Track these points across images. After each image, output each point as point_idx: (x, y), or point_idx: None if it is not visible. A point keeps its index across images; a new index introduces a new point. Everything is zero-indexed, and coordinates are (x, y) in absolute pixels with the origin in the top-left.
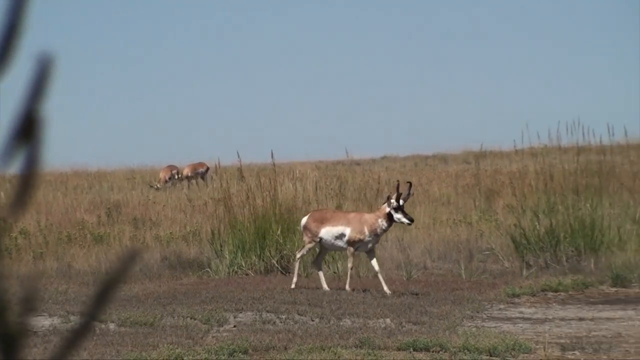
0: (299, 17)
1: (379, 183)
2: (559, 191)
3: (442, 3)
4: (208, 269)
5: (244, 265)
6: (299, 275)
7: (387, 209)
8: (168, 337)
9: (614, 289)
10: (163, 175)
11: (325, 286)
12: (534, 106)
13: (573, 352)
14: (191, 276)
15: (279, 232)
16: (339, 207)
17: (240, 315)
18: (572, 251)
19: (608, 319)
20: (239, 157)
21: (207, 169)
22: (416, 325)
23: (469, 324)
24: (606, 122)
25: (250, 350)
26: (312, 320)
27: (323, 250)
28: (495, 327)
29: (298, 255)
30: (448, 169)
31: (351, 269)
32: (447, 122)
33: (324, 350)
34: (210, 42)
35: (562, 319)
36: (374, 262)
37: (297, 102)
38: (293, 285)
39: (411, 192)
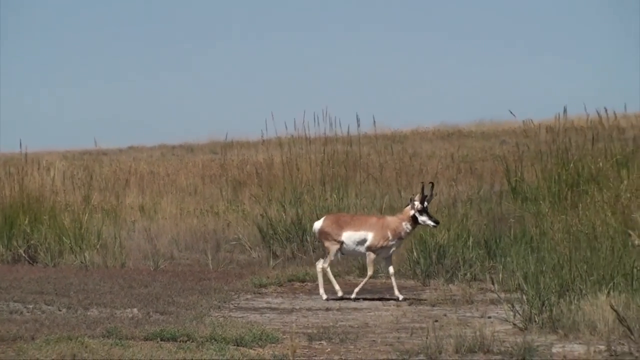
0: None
1: (128, 173)
2: (305, 181)
3: None
4: None
5: None
6: (326, 285)
7: (411, 212)
8: None
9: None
10: None
11: (338, 288)
12: (281, 96)
13: (320, 342)
14: None
15: (26, 221)
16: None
17: None
18: (319, 241)
19: (355, 309)
20: None
21: None
22: (163, 315)
23: (216, 314)
24: (354, 113)
25: None
26: (60, 310)
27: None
28: (242, 317)
29: (325, 265)
30: (195, 159)
31: (370, 277)
32: (193, 112)
33: (71, 340)
34: None
35: (309, 309)
36: (390, 267)
37: (45, 91)
38: (325, 297)
39: (434, 192)
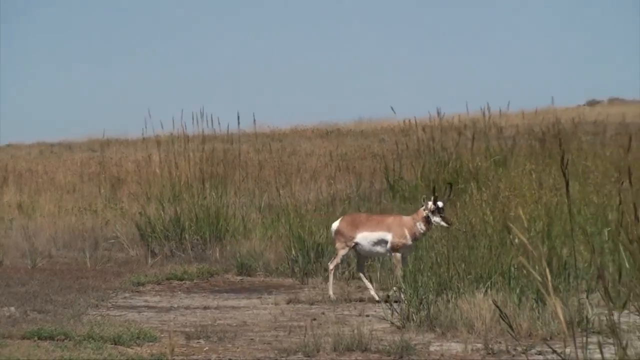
0: None
1: (6, 171)
2: (184, 180)
3: None
4: None
5: None
6: (334, 284)
7: (425, 212)
8: None
9: (239, 278)
10: None
11: (374, 294)
12: (160, 95)
13: (198, 341)
14: None
15: None
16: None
17: None
18: (198, 240)
19: (233, 307)
20: None
21: None
22: (41, 314)
23: (94, 312)
24: (234, 112)
25: None
26: None
27: (360, 257)
28: (120, 315)
29: (331, 266)
30: (74, 157)
31: (402, 276)
32: (72, 110)
33: None
34: None
35: (187, 308)
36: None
37: None
38: (333, 297)
39: (452, 193)
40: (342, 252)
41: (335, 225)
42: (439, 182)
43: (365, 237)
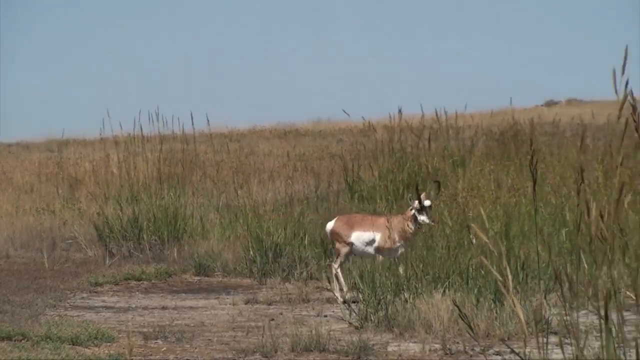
0: None
1: None
2: (142, 180)
3: None
4: None
5: None
6: (341, 288)
7: (412, 212)
8: None
9: (197, 278)
10: None
11: (338, 295)
12: (118, 95)
13: (156, 341)
14: None
15: None
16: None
17: None
18: (156, 240)
19: (191, 307)
20: None
21: None
22: None
23: (52, 312)
24: (189, 112)
25: None
26: None
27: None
28: (78, 316)
29: (336, 266)
30: (31, 157)
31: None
32: (30, 110)
33: None
34: None
35: (145, 308)
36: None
37: None
38: (341, 300)
39: (439, 190)
40: (344, 251)
41: (330, 225)
42: (427, 181)
43: (358, 237)
